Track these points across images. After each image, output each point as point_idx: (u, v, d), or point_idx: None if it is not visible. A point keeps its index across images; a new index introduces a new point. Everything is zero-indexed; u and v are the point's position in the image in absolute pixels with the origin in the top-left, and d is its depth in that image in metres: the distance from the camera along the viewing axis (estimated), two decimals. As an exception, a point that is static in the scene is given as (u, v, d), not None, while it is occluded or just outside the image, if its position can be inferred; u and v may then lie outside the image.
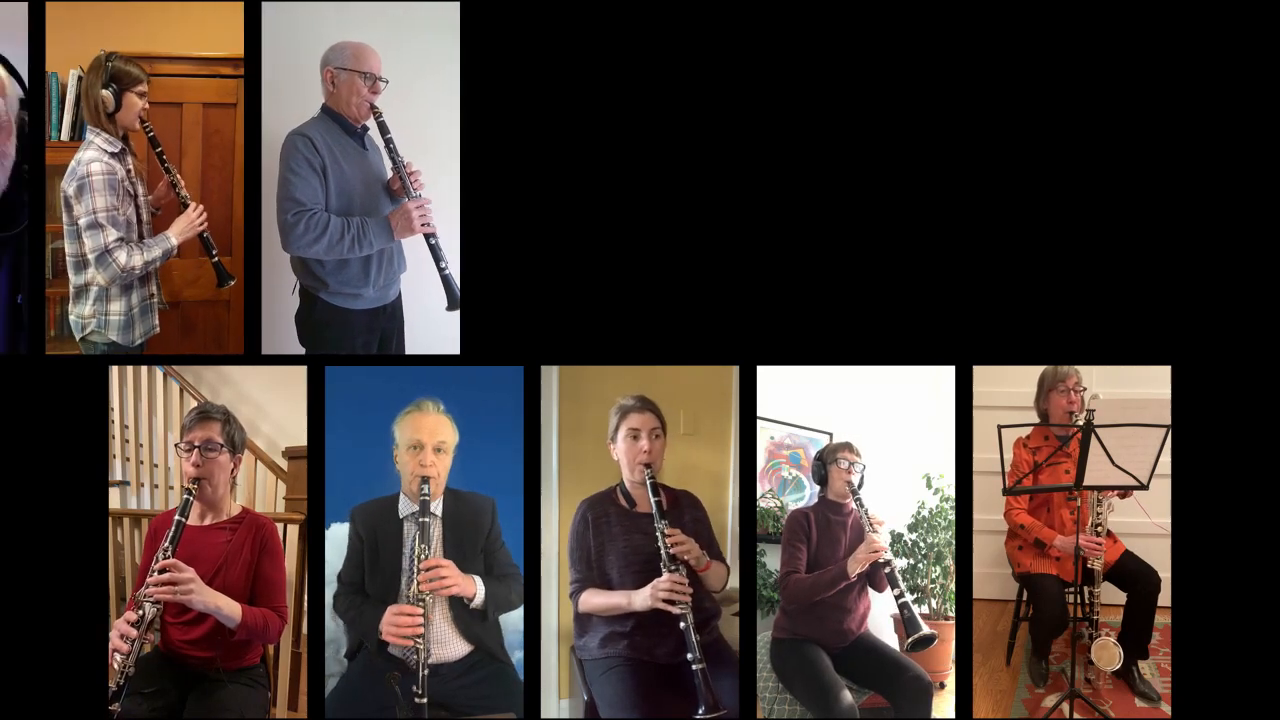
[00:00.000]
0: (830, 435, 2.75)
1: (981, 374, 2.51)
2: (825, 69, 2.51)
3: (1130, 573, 2.71)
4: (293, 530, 2.71)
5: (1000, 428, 2.51)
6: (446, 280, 2.55)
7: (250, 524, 2.36)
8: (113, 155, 2.48)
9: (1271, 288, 2.47)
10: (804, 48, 2.51)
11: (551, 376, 2.52)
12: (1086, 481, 2.51)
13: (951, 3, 2.49)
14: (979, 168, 2.49)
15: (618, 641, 2.39)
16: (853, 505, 2.56)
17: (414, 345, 2.72)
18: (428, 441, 2.38)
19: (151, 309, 2.60)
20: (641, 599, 2.34)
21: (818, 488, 2.63)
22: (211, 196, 2.75)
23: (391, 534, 2.40)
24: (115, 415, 2.80)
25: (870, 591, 2.59)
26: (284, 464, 2.81)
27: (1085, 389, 2.70)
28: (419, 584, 2.30)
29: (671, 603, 2.29)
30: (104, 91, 2.46)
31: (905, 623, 2.41)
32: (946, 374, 2.53)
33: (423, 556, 2.32)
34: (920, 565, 2.75)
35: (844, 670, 2.51)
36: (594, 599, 2.41)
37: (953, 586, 2.60)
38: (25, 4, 2.48)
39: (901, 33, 2.51)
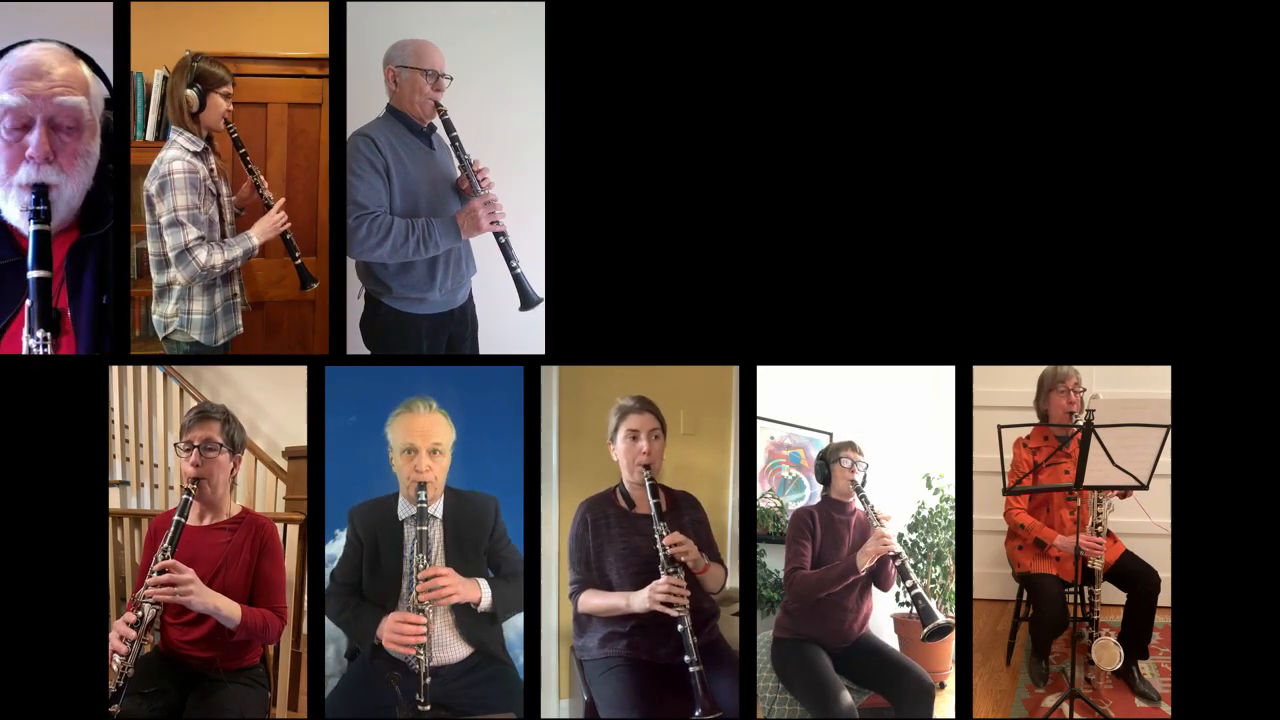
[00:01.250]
0: (830, 435, 2.75)
1: (981, 374, 2.51)
2: (826, 69, 2.51)
3: (1130, 573, 2.71)
4: (293, 530, 2.71)
5: (1000, 428, 2.51)
6: (519, 280, 2.52)
7: (250, 524, 2.35)
8: (195, 154, 2.48)
9: (1271, 288, 2.47)
10: (803, 49, 2.50)
11: (551, 376, 2.52)
12: (1086, 481, 2.51)
13: (950, 4, 2.49)
14: (979, 168, 2.49)
15: (617, 641, 2.39)
16: (856, 504, 2.57)
17: (489, 347, 2.70)
18: (421, 445, 2.37)
19: (235, 309, 2.59)
20: (640, 601, 2.33)
21: (820, 487, 2.63)
22: (296, 197, 2.74)
23: (391, 536, 2.38)
24: (115, 415, 2.80)
25: (873, 593, 2.59)
26: (284, 464, 2.81)
27: (1085, 389, 2.71)
28: (417, 594, 2.29)
29: (669, 605, 2.29)
30: (188, 92, 2.46)
31: (921, 613, 2.41)
32: (946, 374, 2.53)
33: (421, 566, 2.30)
34: (920, 565, 2.75)
35: (845, 671, 2.51)
36: (593, 600, 2.41)
37: (953, 586, 2.60)
38: (110, 4, 2.46)
39: (901, 33, 2.51)
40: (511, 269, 2.52)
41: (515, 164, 2.55)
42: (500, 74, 2.59)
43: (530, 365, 2.47)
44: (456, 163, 2.60)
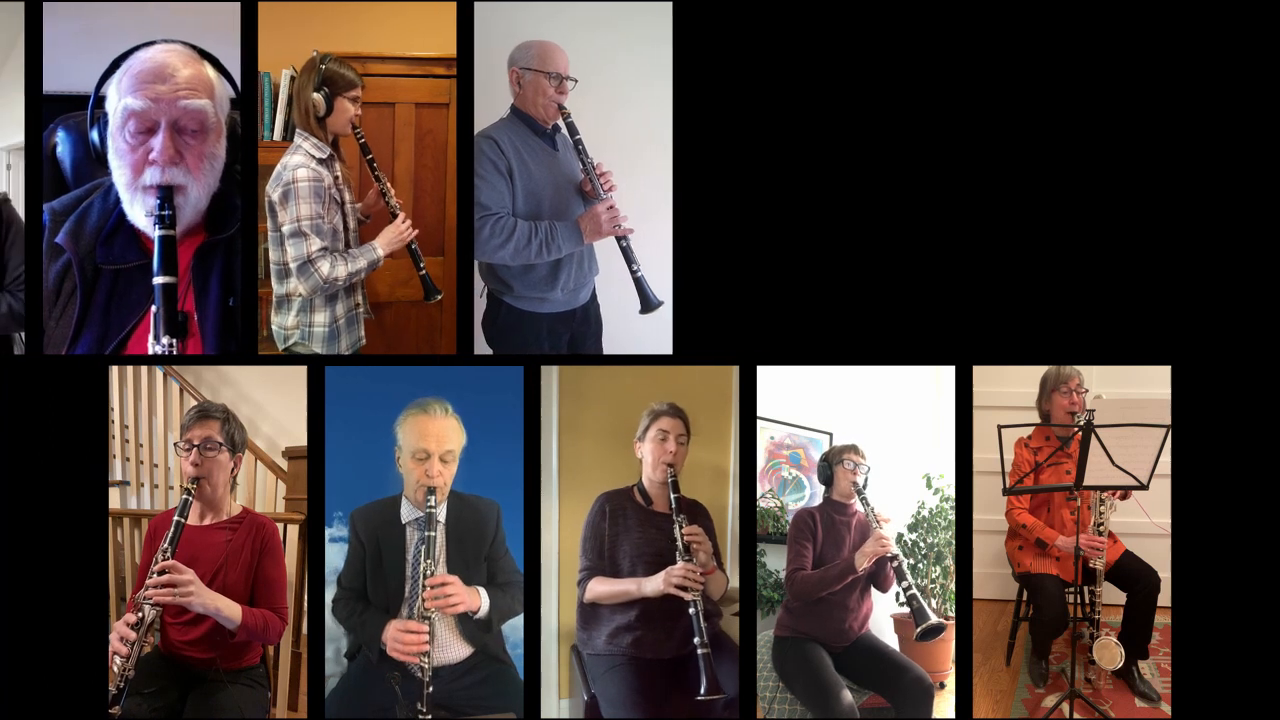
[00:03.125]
0: (830, 435, 2.75)
1: (981, 374, 2.51)
2: (827, 69, 2.51)
3: (1130, 573, 2.71)
4: (293, 530, 2.71)
5: (1000, 428, 2.51)
6: (639, 283, 2.51)
7: (250, 524, 2.35)
8: (320, 161, 2.45)
9: (1271, 288, 2.47)
10: (803, 51, 2.50)
11: (551, 376, 2.52)
12: (1086, 481, 2.51)
13: (948, 5, 2.49)
14: (979, 168, 2.49)
15: (622, 637, 2.40)
16: (857, 506, 2.57)
17: (612, 348, 2.70)
18: (435, 450, 2.34)
19: (357, 320, 2.57)
20: (653, 585, 2.36)
21: (822, 488, 2.64)
22: (424, 197, 2.74)
23: (394, 540, 2.37)
24: (115, 415, 2.80)
25: (873, 593, 2.59)
26: (284, 464, 2.81)
27: (1087, 390, 2.71)
28: (424, 601, 2.27)
29: (684, 589, 2.31)
30: (315, 95, 2.43)
31: (914, 613, 2.41)
32: (946, 374, 2.53)
33: (429, 573, 2.29)
34: (920, 565, 2.75)
35: (845, 670, 2.51)
36: (601, 587, 2.43)
37: (953, 586, 2.60)
38: (238, 4, 2.45)
39: (900, 33, 2.51)
40: (633, 272, 2.52)
41: (635, 164, 2.56)
42: (623, 74, 2.59)
43: (530, 365, 2.47)
44: (579, 165, 2.59)
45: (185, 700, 2.27)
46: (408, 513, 2.38)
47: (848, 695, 2.41)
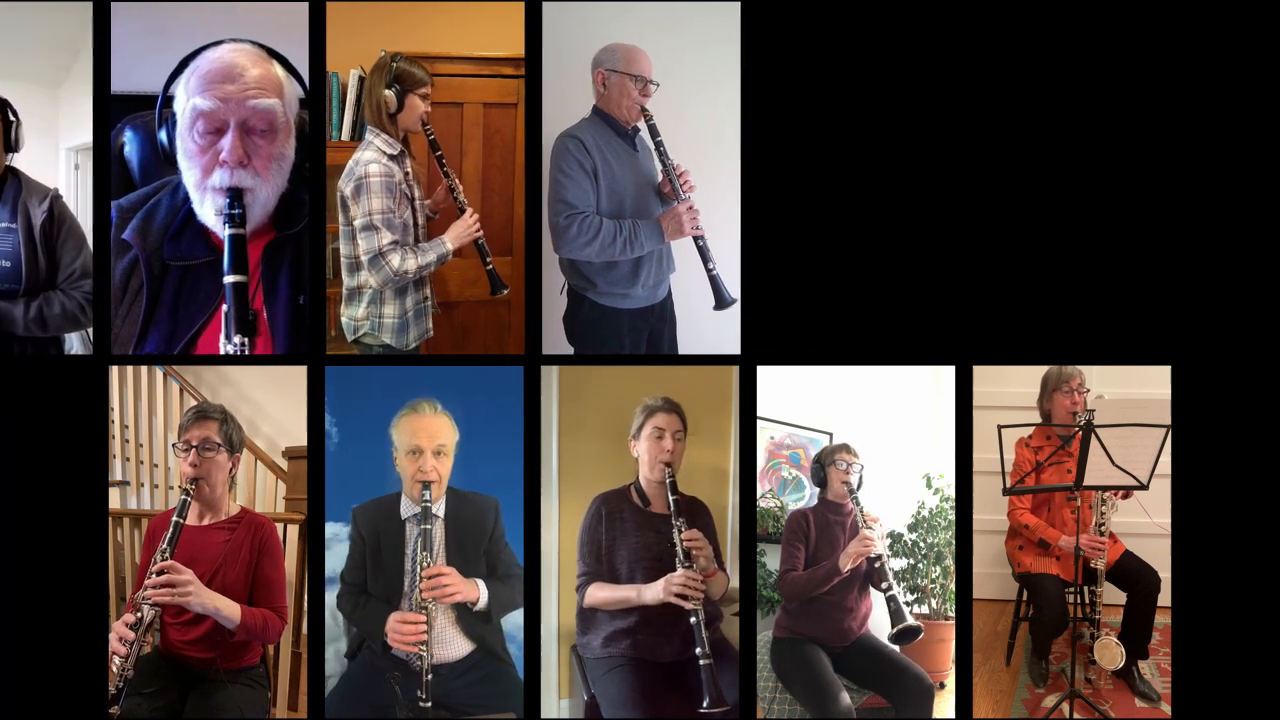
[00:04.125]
0: (830, 435, 2.75)
1: (981, 374, 2.51)
2: (827, 69, 2.51)
3: (1130, 573, 2.71)
4: (293, 530, 2.71)
5: (1000, 428, 2.51)
6: (714, 280, 2.53)
7: (249, 524, 2.35)
8: (391, 157, 2.46)
9: (1271, 288, 2.47)
10: (807, 52, 2.50)
11: (551, 376, 2.52)
12: (1086, 481, 2.51)
13: (947, 5, 2.49)
14: (979, 168, 2.49)
15: (621, 640, 2.40)
16: (852, 505, 2.57)
17: (686, 344, 2.72)
18: (427, 446, 2.37)
19: (425, 312, 2.58)
20: (653, 593, 2.35)
21: (817, 489, 2.63)
22: (493, 197, 2.76)
23: (394, 535, 2.39)
24: (115, 415, 2.81)
25: (871, 592, 2.59)
26: (284, 464, 2.81)
27: (1088, 390, 2.70)
28: (421, 592, 2.29)
29: (684, 598, 2.30)
30: (386, 92, 2.45)
31: (891, 614, 2.42)
32: (946, 374, 2.53)
33: (425, 564, 2.30)
34: (920, 565, 2.75)
35: (844, 670, 2.51)
36: (600, 593, 2.42)
37: (953, 586, 2.60)
38: (305, 4, 2.45)
39: (901, 33, 2.51)
40: (708, 270, 2.54)
41: (702, 164, 2.58)
42: (691, 74, 2.61)
43: (530, 365, 2.47)
44: (659, 166, 2.62)
45: (185, 700, 2.27)
46: (406, 509, 2.40)
47: (846, 696, 2.41)
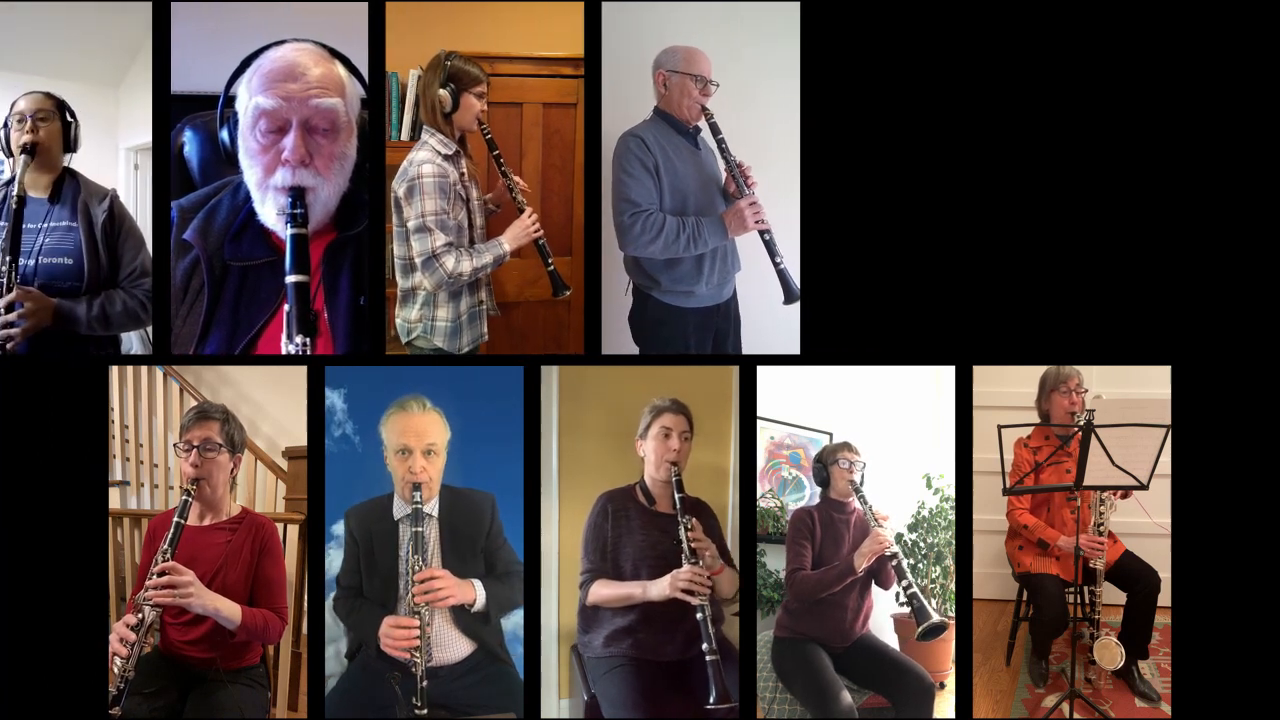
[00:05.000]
0: (830, 435, 2.75)
1: (981, 374, 2.51)
2: (827, 70, 2.51)
3: (1130, 573, 2.71)
4: (293, 530, 2.71)
5: (1000, 428, 2.51)
6: (782, 275, 2.54)
7: (250, 524, 2.35)
8: (446, 158, 2.45)
9: (1271, 288, 2.47)
10: (812, 53, 2.50)
11: (551, 376, 2.52)
12: (1086, 481, 2.51)
13: (945, 5, 2.49)
14: (979, 168, 2.49)
15: (622, 640, 2.39)
16: (855, 504, 2.57)
17: (751, 343, 2.72)
18: (416, 446, 2.35)
19: (481, 315, 2.57)
20: (659, 589, 2.35)
21: (819, 489, 2.63)
22: (552, 197, 2.75)
23: (386, 536, 2.37)
24: (115, 415, 2.80)
25: (872, 592, 2.59)
26: (284, 464, 2.81)
27: (1087, 390, 2.71)
28: (413, 596, 2.28)
29: (691, 593, 2.30)
30: (441, 91, 2.44)
31: (915, 612, 2.41)
32: (946, 374, 2.53)
33: (417, 568, 2.29)
34: (920, 565, 2.75)
35: (845, 670, 2.51)
36: (604, 590, 2.42)
37: (953, 586, 2.60)
38: (365, 4, 2.45)
39: (904, 33, 2.51)
40: (775, 264, 2.54)
41: (761, 162, 2.59)
42: (750, 72, 2.61)
43: (530, 365, 2.47)
44: (722, 164, 2.62)
45: (185, 700, 2.27)
46: (399, 509, 2.39)
47: (847, 696, 2.40)
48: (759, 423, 2.52)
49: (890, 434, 2.69)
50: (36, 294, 2.42)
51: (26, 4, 2.46)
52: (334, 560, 2.43)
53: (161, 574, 2.19)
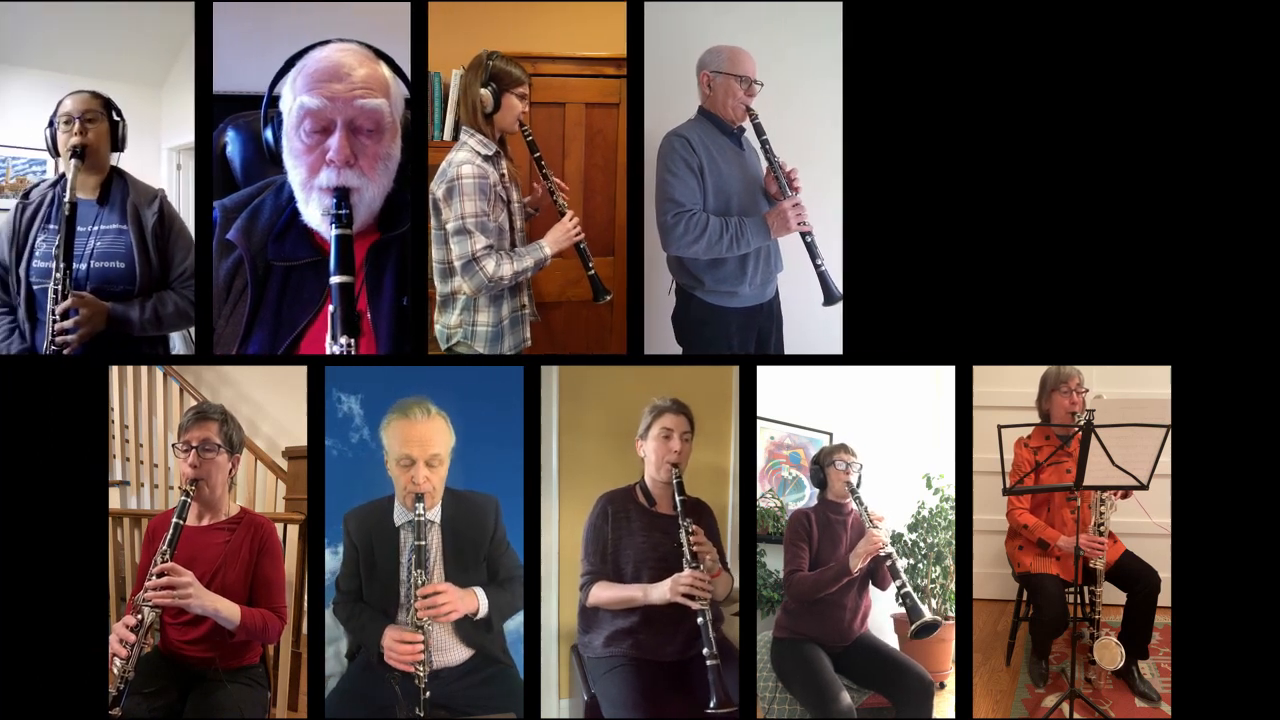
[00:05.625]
0: (830, 435, 2.75)
1: (981, 374, 2.51)
2: (869, 70, 2.51)
3: (1130, 573, 2.71)
4: (293, 530, 2.71)
5: (1000, 428, 2.51)
6: (823, 277, 2.53)
7: (249, 524, 2.35)
8: (486, 159, 2.42)
9: (1271, 288, 2.47)
10: (854, 54, 2.50)
11: (551, 376, 2.52)
12: (1086, 481, 2.51)
13: (944, 5, 2.49)
14: (978, 168, 2.49)
15: (623, 640, 2.39)
16: (852, 505, 2.57)
17: (794, 343, 2.72)
18: (419, 456, 2.29)
19: (522, 320, 2.55)
20: (660, 592, 2.34)
21: (817, 490, 2.63)
22: (595, 197, 2.75)
23: (387, 541, 2.34)
24: (115, 415, 2.80)
25: (871, 591, 2.59)
26: (284, 464, 2.81)
27: (1087, 389, 2.70)
28: (417, 611, 2.24)
29: (692, 598, 2.30)
30: (482, 91, 2.41)
31: (909, 611, 2.41)
32: (946, 374, 2.53)
33: (420, 583, 2.25)
34: (920, 565, 2.75)
35: (845, 670, 2.51)
36: (605, 592, 2.42)
37: (953, 586, 2.60)
38: (408, 4, 2.44)
39: (906, 34, 2.51)
40: (816, 266, 2.53)
41: (806, 160, 2.59)
42: (792, 72, 2.61)
43: (530, 365, 2.47)
44: (765, 164, 2.62)
45: (185, 700, 2.27)
46: (400, 515, 2.35)
47: (846, 696, 2.40)
48: (759, 423, 2.52)
49: (890, 434, 2.69)
50: (90, 299, 2.42)
51: (69, 4, 2.47)
52: (330, 562, 2.42)
53: (160, 575, 2.19)
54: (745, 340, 2.64)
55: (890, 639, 2.72)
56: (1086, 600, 2.64)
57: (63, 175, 2.46)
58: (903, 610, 2.52)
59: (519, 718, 2.40)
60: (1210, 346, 2.47)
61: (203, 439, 2.29)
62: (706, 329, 2.61)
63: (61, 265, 2.39)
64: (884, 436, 2.69)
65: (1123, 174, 2.49)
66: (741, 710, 2.44)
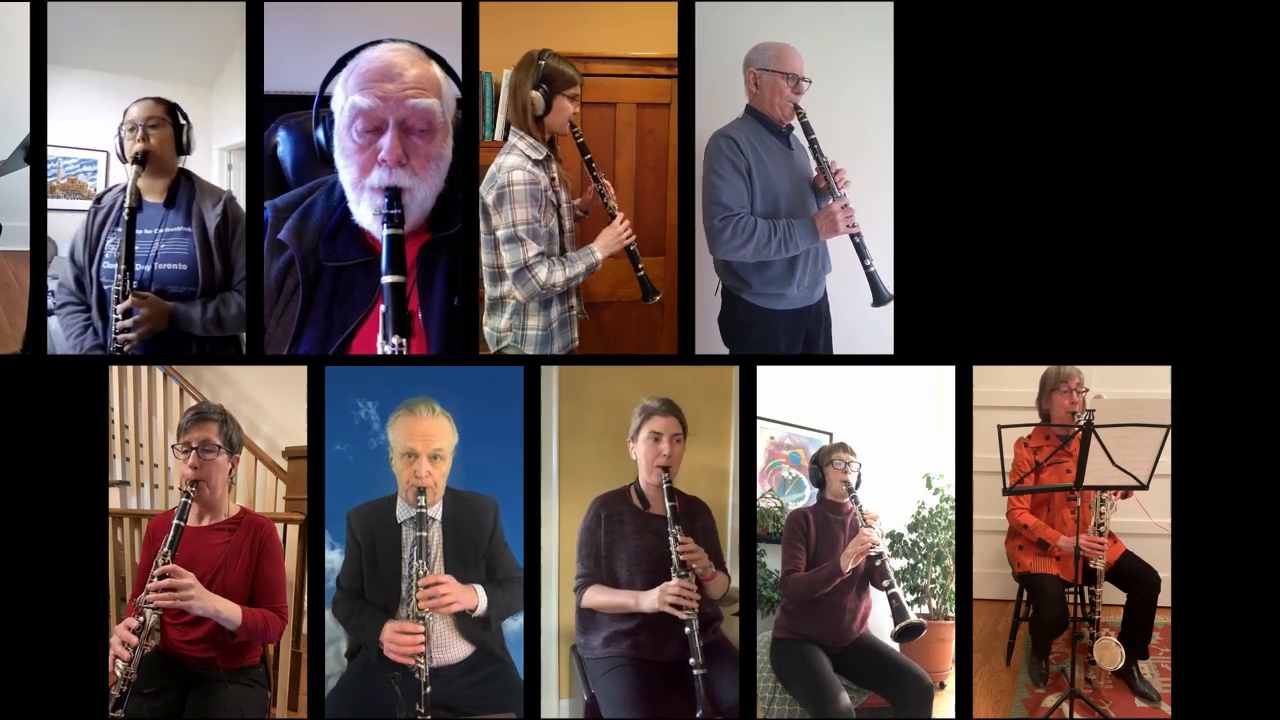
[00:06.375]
0: (830, 435, 2.75)
1: (981, 374, 2.51)
2: (920, 70, 2.50)
3: (1130, 573, 2.71)
4: (293, 530, 2.71)
5: (1000, 428, 2.51)
6: (872, 278, 2.51)
7: (249, 524, 2.35)
8: (536, 163, 2.40)
9: (1271, 288, 2.47)
10: (906, 54, 2.50)
11: (551, 376, 2.52)
12: (1086, 481, 2.51)
13: (943, 6, 2.49)
14: (978, 167, 2.49)
15: (621, 641, 2.39)
16: (851, 505, 2.57)
17: (843, 344, 2.71)
18: (422, 450, 2.32)
19: (571, 321, 2.55)
20: (649, 601, 2.34)
21: (816, 490, 2.63)
22: (646, 198, 2.74)
23: (389, 539, 2.35)
24: (115, 415, 2.80)
25: (870, 592, 2.59)
26: (284, 464, 2.80)
27: (1087, 389, 2.70)
28: (417, 602, 2.26)
29: (678, 608, 2.29)
30: (533, 93, 2.38)
31: (894, 612, 2.41)
32: (946, 374, 2.53)
33: (421, 573, 2.27)
34: (920, 565, 2.75)
35: (844, 670, 2.51)
36: (598, 596, 2.41)
37: (953, 586, 2.60)
38: (459, 4, 2.44)
39: (905, 33, 2.51)
40: (865, 267, 2.52)
41: (855, 160, 2.58)
42: (843, 71, 2.60)
43: (530, 365, 2.47)
44: (814, 164, 2.59)
45: (185, 700, 2.27)
46: (403, 512, 2.37)
47: (846, 696, 2.40)
48: (759, 423, 2.51)
49: (890, 434, 2.69)
50: (152, 299, 2.44)
51: (121, 4, 2.47)
52: (334, 561, 2.42)
53: (162, 576, 2.19)
54: (793, 342, 2.62)
55: (890, 640, 2.72)
56: (1086, 600, 2.64)
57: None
58: (900, 610, 2.53)
59: (519, 718, 2.40)
60: (1210, 346, 2.47)
61: (203, 440, 2.29)
62: (754, 331, 2.60)
63: (122, 267, 2.41)
64: (884, 436, 2.69)
65: (1122, 175, 2.49)
66: (741, 710, 2.44)
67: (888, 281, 2.51)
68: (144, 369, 2.98)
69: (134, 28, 2.52)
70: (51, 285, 2.52)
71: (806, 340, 2.66)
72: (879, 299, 2.52)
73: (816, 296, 2.69)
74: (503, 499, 2.44)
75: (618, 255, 2.52)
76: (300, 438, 2.47)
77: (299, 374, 2.45)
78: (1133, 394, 2.54)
